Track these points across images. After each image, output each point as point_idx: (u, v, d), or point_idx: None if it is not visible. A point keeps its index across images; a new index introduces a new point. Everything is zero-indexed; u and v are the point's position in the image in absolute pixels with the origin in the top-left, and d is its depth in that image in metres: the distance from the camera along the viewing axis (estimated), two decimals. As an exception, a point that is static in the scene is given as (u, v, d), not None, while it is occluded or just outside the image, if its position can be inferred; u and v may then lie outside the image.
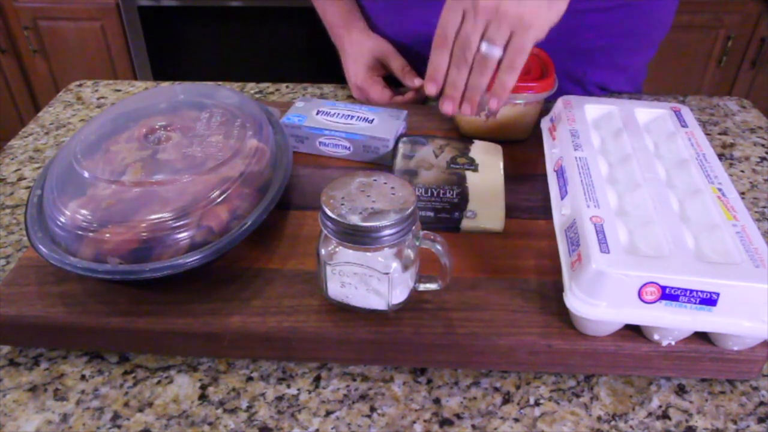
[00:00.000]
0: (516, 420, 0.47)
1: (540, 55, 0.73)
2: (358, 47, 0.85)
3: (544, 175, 0.62)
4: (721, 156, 0.77)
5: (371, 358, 0.51)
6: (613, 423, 0.47)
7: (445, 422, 0.47)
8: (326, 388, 0.50)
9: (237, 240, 0.52)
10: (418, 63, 0.84)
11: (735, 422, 0.47)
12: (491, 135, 0.70)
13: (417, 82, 0.83)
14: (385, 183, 0.48)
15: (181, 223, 0.50)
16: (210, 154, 0.55)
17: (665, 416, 0.48)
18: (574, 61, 0.83)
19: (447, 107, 0.60)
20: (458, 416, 0.48)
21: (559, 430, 0.47)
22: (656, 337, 0.48)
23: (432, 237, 0.48)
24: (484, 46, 0.57)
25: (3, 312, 0.50)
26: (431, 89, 0.60)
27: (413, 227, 0.47)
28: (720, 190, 0.55)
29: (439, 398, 0.49)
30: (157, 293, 0.52)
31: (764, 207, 0.69)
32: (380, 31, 0.86)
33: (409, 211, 0.45)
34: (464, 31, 0.57)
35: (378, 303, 0.49)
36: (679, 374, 0.50)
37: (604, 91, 0.88)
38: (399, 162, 0.65)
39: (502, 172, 0.65)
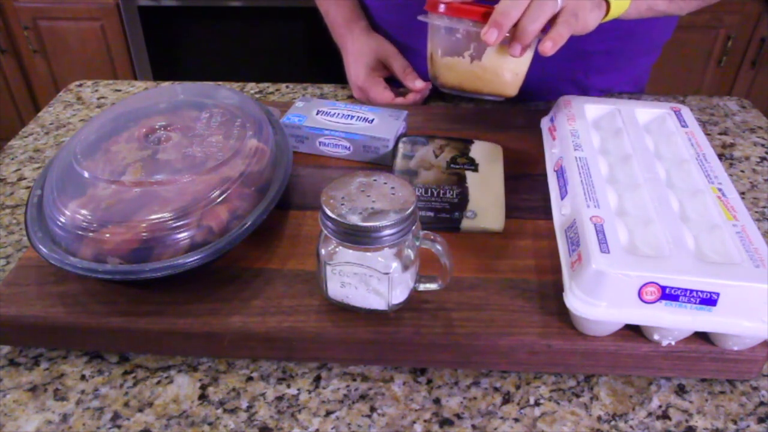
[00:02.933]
0: (516, 420, 0.47)
1: None
2: (360, 47, 0.85)
3: (544, 175, 0.62)
4: (721, 156, 0.77)
5: (371, 358, 0.51)
6: (613, 423, 0.47)
7: (445, 422, 0.47)
8: (326, 388, 0.50)
9: (237, 240, 0.52)
10: (420, 64, 0.84)
11: (735, 422, 0.47)
12: (474, 86, 0.63)
13: (418, 83, 0.83)
14: (385, 183, 0.48)
15: (181, 223, 0.50)
16: (210, 154, 0.55)
17: (665, 416, 0.48)
18: (577, 65, 0.83)
19: (491, 35, 0.57)
20: (458, 416, 0.48)
21: (559, 430, 0.47)
22: (656, 337, 0.48)
23: (432, 237, 0.48)
24: None
25: (3, 312, 0.50)
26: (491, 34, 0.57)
27: (413, 227, 0.47)
28: (720, 190, 0.55)
29: (439, 398, 0.49)
30: (157, 293, 0.52)
31: (764, 207, 0.69)
32: (382, 32, 0.86)
33: (409, 211, 0.45)
34: None
35: (378, 303, 0.49)
36: (679, 374, 0.50)
37: (605, 93, 0.88)
38: (399, 162, 0.65)
39: (502, 172, 0.65)
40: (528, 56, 0.62)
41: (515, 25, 0.57)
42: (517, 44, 0.58)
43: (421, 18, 0.63)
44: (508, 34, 0.58)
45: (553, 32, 0.58)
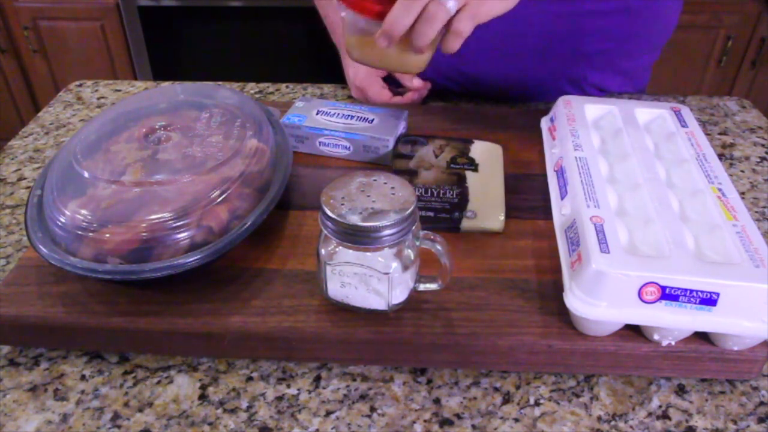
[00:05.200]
0: (516, 420, 0.47)
1: None
2: None
3: (544, 175, 0.62)
4: (721, 156, 0.77)
5: (371, 358, 0.51)
6: (613, 423, 0.47)
7: (445, 422, 0.47)
8: (326, 388, 0.50)
9: (237, 240, 0.52)
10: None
11: (735, 422, 0.47)
12: (382, 65, 0.64)
13: (416, 82, 0.83)
14: (385, 183, 0.48)
15: (181, 223, 0.50)
16: (210, 154, 0.55)
17: (665, 416, 0.48)
18: (575, 65, 0.83)
19: (382, 42, 0.57)
20: (458, 416, 0.48)
21: (559, 430, 0.47)
22: (656, 337, 0.48)
23: (432, 237, 0.48)
24: None
25: (3, 312, 0.50)
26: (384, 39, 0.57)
27: (413, 227, 0.47)
28: (720, 190, 0.55)
29: (439, 398, 0.49)
30: (157, 293, 0.52)
31: (764, 207, 0.69)
32: None
33: (409, 211, 0.45)
34: None
35: (378, 303, 0.49)
36: (679, 374, 0.50)
37: (603, 92, 0.88)
38: (399, 162, 0.65)
39: (502, 172, 0.65)
40: (434, 42, 0.60)
41: (411, 29, 0.56)
42: (414, 48, 0.57)
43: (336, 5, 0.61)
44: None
45: (451, 35, 0.57)
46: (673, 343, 0.48)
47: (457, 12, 0.56)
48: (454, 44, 0.58)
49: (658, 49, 0.88)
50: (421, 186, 0.62)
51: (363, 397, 0.49)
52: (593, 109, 0.68)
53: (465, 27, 0.57)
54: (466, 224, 0.59)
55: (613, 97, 0.88)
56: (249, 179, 0.55)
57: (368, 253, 0.47)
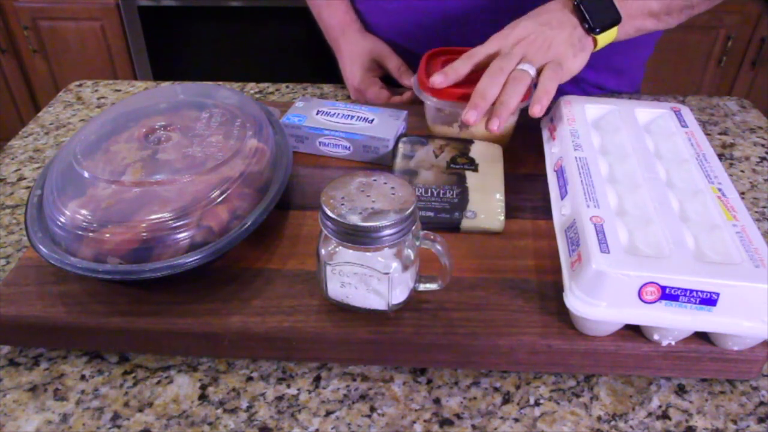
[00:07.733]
0: (516, 420, 0.47)
1: None
2: (355, 48, 0.85)
3: (544, 175, 0.62)
4: (721, 156, 0.77)
5: (371, 358, 0.51)
6: (613, 423, 0.47)
7: (445, 422, 0.47)
8: (326, 388, 0.50)
9: (237, 240, 0.52)
10: (414, 63, 0.84)
11: (735, 422, 0.47)
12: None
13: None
14: (385, 183, 0.48)
15: (181, 223, 0.50)
16: (210, 154, 0.55)
17: (665, 416, 0.48)
18: None
19: (470, 116, 0.61)
20: (458, 416, 0.48)
21: (559, 430, 0.47)
22: (656, 337, 0.48)
23: (432, 237, 0.48)
24: (522, 65, 0.61)
25: (3, 312, 0.50)
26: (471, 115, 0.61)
27: (413, 227, 0.47)
28: (720, 190, 0.55)
29: (439, 398, 0.49)
30: (157, 293, 0.52)
31: (764, 207, 0.69)
32: (376, 32, 0.86)
33: (409, 211, 0.45)
34: (503, 51, 0.61)
35: (378, 303, 0.49)
36: (679, 374, 0.50)
37: (601, 90, 0.88)
38: (399, 162, 0.65)
39: (502, 172, 0.65)
40: (514, 116, 0.68)
41: (494, 102, 0.61)
42: (496, 119, 0.61)
43: (416, 93, 0.69)
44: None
45: (540, 91, 0.61)
46: (673, 343, 0.48)
47: (539, 74, 0.61)
48: (542, 102, 0.61)
49: (651, 45, 0.88)
50: (421, 186, 0.61)
51: (363, 397, 0.49)
52: (593, 109, 0.68)
53: (550, 85, 0.61)
54: (466, 224, 0.59)
55: (613, 96, 0.87)
56: (249, 179, 0.55)
57: (368, 253, 0.47)
